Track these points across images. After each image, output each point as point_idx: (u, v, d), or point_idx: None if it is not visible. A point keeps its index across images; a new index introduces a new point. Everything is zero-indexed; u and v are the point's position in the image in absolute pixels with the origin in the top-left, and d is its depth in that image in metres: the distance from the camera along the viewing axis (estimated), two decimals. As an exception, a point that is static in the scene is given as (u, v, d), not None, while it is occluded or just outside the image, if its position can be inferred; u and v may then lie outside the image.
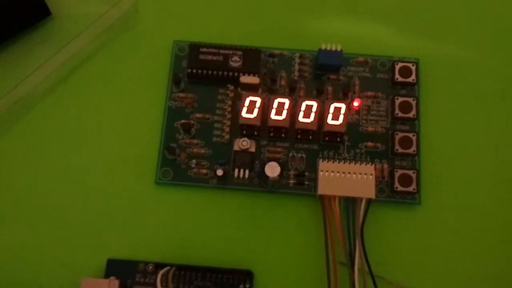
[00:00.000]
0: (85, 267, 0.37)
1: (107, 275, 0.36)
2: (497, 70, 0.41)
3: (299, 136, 0.39)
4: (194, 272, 0.36)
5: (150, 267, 0.36)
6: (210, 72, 0.39)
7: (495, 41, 0.42)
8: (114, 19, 0.41)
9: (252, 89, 0.39)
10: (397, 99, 0.39)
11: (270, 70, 0.40)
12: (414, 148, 0.38)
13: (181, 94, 0.40)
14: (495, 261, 0.37)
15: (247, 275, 0.36)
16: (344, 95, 0.40)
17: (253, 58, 0.39)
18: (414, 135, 0.38)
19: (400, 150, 0.38)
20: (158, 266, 0.36)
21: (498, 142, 0.40)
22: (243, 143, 0.38)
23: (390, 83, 0.40)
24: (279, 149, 0.39)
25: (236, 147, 0.38)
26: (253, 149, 0.38)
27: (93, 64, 0.41)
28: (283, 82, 0.40)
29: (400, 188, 0.37)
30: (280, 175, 0.36)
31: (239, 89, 0.39)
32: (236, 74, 0.39)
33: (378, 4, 0.43)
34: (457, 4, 0.43)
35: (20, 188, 0.38)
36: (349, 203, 0.37)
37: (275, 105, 0.38)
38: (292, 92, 0.40)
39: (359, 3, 0.43)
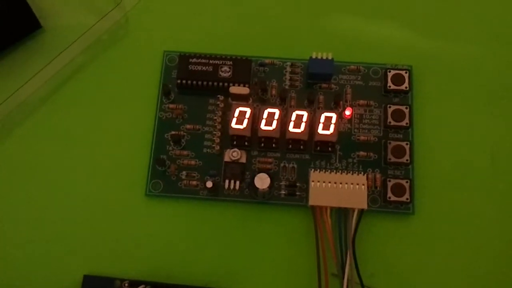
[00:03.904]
0: (76, 280, 0.36)
1: None
2: (492, 77, 0.41)
3: (290, 146, 0.38)
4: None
5: (126, 284, 0.35)
6: (200, 82, 0.39)
7: (490, 48, 0.41)
8: (104, 30, 0.41)
9: (243, 99, 0.38)
10: (390, 107, 0.39)
11: (261, 79, 0.40)
12: (407, 157, 0.38)
13: (171, 105, 0.39)
14: (490, 271, 0.37)
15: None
16: (335, 104, 0.39)
17: (243, 68, 0.39)
18: (407, 144, 0.38)
19: (393, 159, 0.38)
20: (133, 283, 0.35)
21: (494, 150, 0.39)
22: (233, 154, 0.38)
23: (383, 91, 0.40)
24: (270, 160, 0.38)
25: (226, 158, 0.38)
26: (243, 160, 0.38)
27: (83, 75, 0.41)
28: (274, 92, 0.40)
29: (393, 198, 0.37)
30: (270, 186, 0.36)
31: (229, 99, 0.39)
32: (226, 84, 0.39)
33: (369, 12, 0.42)
34: (450, 10, 0.42)
35: (6, 199, 0.38)
36: (341, 213, 0.36)
37: (265, 115, 0.37)
38: (283, 101, 0.39)
39: (350, 10, 0.42)
